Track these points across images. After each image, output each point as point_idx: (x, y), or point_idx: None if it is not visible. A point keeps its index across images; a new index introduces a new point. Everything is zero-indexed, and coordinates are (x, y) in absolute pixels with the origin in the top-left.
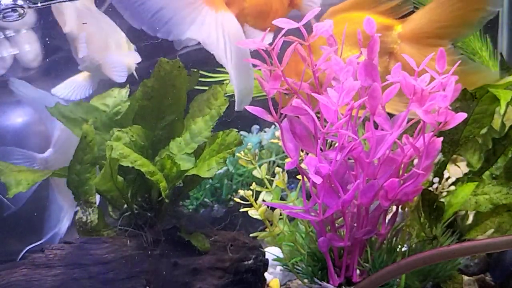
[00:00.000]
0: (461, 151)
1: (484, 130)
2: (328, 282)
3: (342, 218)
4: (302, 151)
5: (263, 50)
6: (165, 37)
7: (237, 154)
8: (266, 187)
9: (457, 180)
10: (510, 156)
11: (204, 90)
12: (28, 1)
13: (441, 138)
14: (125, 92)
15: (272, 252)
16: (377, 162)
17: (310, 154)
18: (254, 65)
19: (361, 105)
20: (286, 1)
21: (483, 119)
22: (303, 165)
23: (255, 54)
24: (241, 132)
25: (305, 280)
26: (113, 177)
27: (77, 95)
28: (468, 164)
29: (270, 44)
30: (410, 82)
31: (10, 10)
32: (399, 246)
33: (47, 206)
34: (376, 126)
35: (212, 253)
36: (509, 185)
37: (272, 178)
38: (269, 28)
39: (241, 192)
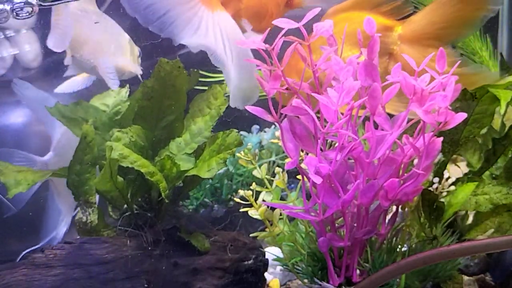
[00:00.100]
0: (461, 151)
1: (484, 130)
2: (328, 282)
3: (342, 218)
4: (302, 151)
5: (263, 50)
6: (157, 32)
7: (237, 154)
8: (266, 187)
9: (457, 180)
10: (510, 156)
11: (204, 90)
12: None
13: (441, 138)
14: (125, 92)
15: (272, 252)
16: (377, 162)
17: (310, 154)
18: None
19: (361, 105)
20: (282, 2)
21: (483, 119)
22: (303, 165)
23: (255, 53)
24: (241, 132)
25: (305, 280)
26: (113, 178)
27: (80, 87)
28: (468, 164)
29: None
30: (410, 82)
31: (22, 5)
32: (399, 246)
33: (46, 210)
34: (376, 126)
35: (212, 253)
36: (509, 185)
37: (272, 178)
38: (269, 28)
39: (241, 192)
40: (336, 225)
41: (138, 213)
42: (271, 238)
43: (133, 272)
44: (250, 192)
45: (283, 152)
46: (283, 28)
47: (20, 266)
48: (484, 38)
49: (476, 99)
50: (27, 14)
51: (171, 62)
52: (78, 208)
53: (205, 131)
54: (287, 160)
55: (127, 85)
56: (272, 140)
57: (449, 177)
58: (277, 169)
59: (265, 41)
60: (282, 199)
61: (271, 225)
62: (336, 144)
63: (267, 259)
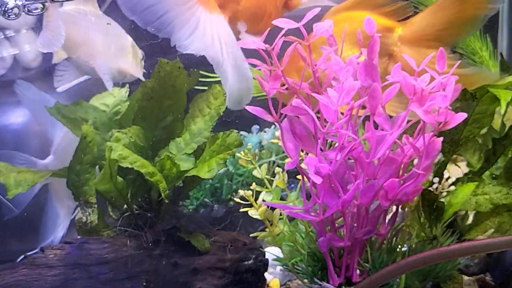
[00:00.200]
0: (461, 151)
1: (484, 130)
2: (328, 282)
3: (342, 218)
4: (302, 151)
5: (263, 50)
6: (156, 33)
7: (237, 154)
8: (266, 187)
9: (457, 180)
10: (510, 156)
11: (204, 90)
12: None
13: (441, 138)
14: (124, 92)
15: (272, 252)
16: (377, 162)
17: (310, 154)
18: (254, 65)
19: (361, 105)
20: (280, 4)
21: (483, 119)
22: (303, 165)
23: (254, 54)
24: (241, 132)
25: (305, 280)
26: (112, 178)
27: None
28: (468, 164)
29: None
30: (410, 82)
31: (34, 1)
32: (399, 246)
33: (44, 213)
34: (376, 126)
35: (212, 253)
36: (509, 185)
37: (272, 178)
38: (268, 29)
39: (241, 192)
40: (336, 225)
41: (138, 213)
42: (271, 238)
43: (133, 272)
44: (250, 192)
45: (283, 152)
46: (282, 29)
47: (20, 266)
48: (484, 38)
49: (476, 99)
50: (38, 10)
51: (171, 63)
52: (78, 209)
53: (205, 131)
54: (287, 160)
55: (127, 85)
56: (272, 140)
57: (449, 177)
58: (277, 169)
59: (264, 42)
60: (282, 199)
61: (271, 225)
62: (336, 144)
63: (267, 259)
